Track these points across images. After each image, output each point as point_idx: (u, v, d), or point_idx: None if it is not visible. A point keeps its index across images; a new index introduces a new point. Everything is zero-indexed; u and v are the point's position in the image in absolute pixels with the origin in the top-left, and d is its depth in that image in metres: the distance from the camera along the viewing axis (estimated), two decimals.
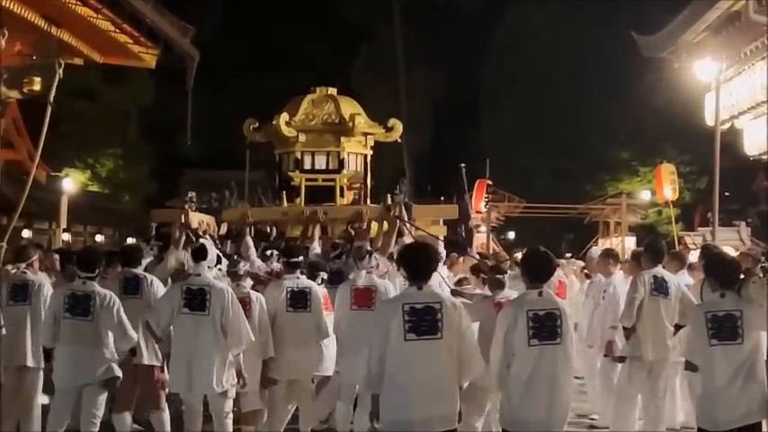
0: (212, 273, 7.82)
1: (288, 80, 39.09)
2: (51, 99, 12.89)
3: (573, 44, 38.43)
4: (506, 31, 41.81)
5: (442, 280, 8.55)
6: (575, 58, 38.70)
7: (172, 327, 7.64)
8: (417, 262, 5.89)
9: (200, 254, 7.78)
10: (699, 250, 10.96)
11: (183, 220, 10.13)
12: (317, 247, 11.11)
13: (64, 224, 25.34)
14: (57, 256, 10.25)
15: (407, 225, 11.00)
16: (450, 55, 41.57)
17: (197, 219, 10.75)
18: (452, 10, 42.33)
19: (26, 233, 26.06)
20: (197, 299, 7.45)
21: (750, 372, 6.11)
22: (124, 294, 7.88)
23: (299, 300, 8.27)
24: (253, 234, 11.43)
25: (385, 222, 11.44)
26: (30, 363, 8.05)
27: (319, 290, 8.49)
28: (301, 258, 8.67)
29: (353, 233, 11.52)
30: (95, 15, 12.12)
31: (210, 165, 38.22)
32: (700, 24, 16.41)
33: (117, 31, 12.93)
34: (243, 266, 8.31)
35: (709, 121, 17.08)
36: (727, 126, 17.41)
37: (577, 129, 38.44)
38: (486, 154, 29.61)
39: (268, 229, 12.39)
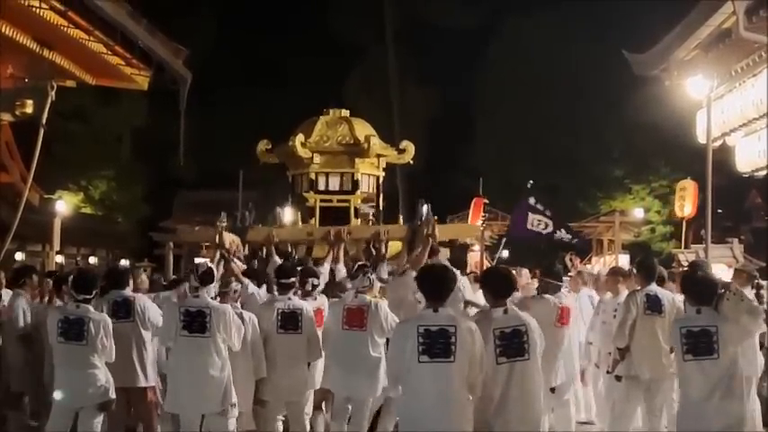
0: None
1: (281, 99, 39.43)
2: (44, 121, 12.95)
3: (565, 62, 38.60)
4: (500, 49, 41.86)
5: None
6: (567, 75, 38.85)
7: (170, 348, 7.67)
8: (435, 284, 5.93)
9: (208, 278, 7.76)
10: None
11: (218, 241, 10.17)
12: (342, 269, 11.05)
13: (57, 246, 25.25)
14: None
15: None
16: (444, 72, 41.65)
17: (228, 239, 10.80)
18: (445, 28, 42.41)
19: (19, 256, 25.97)
20: (196, 321, 7.45)
21: (728, 387, 6.12)
22: (115, 318, 7.84)
23: (290, 321, 8.24)
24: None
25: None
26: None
27: (311, 310, 8.46)
28: (293, 279, 8.62)
29: (374, 252, 11.60)
30: (87, 38, 12.13)
31: (203, 185, 38.22)
32: (691, 42, 16.44)
33: (109, 53, 12.94)
34: (234, 287, 8.29)
35: (701, 139, 17.08)
36: (718, 143, 17.42)
37: (570, 146, 38.51)
38: (479, 170, 29.62)
39: (289, 249, 12.48)
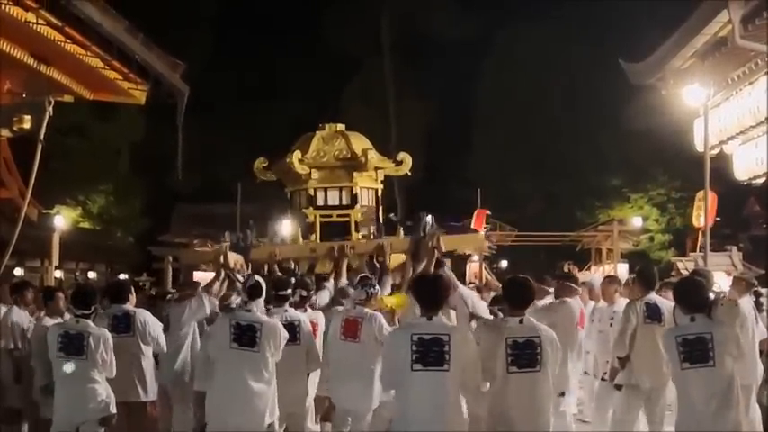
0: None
1: (279, 111, 39.50)
2: (42, 137, 12.97)
3: (562, 71, 38.74)
4: (496, 59, 42.01)
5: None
6: (564, 85, 39.01)
7: (216, 361, 7.65)
8: (428, 293, 5.91)
9: (256, 291, 7.78)
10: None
11: (222, 261, 10.16)
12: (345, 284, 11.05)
13: (56, 261, 25.20)
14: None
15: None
16: (442, 82, 41.74)
17: (233, 259, 10.79)
18: (443, 38, 42.60)
19: (18, 271, 25.96)
20: (246, 335, 7.46)
21: (726, 395, 6.12)
22: (115, 333, 7.79)
23: (289, 333, 8.21)
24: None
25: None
26: None
27: (308, 321, 8.47)
28: (290, 291, 8.63)
29: (378, 265, 11.59)
30: (84, 53, 12.17)
31: (202, 199, 38.22)
32: (687, 51, 16.51)
33: (106, 67, 12.98)
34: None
35: (699, 147, 17.14)
36: (716, 151, 17.48)
37: (568, 155, 38.60)
38: (477, 181, 29.67)
39: (292, 266, 12.47)
